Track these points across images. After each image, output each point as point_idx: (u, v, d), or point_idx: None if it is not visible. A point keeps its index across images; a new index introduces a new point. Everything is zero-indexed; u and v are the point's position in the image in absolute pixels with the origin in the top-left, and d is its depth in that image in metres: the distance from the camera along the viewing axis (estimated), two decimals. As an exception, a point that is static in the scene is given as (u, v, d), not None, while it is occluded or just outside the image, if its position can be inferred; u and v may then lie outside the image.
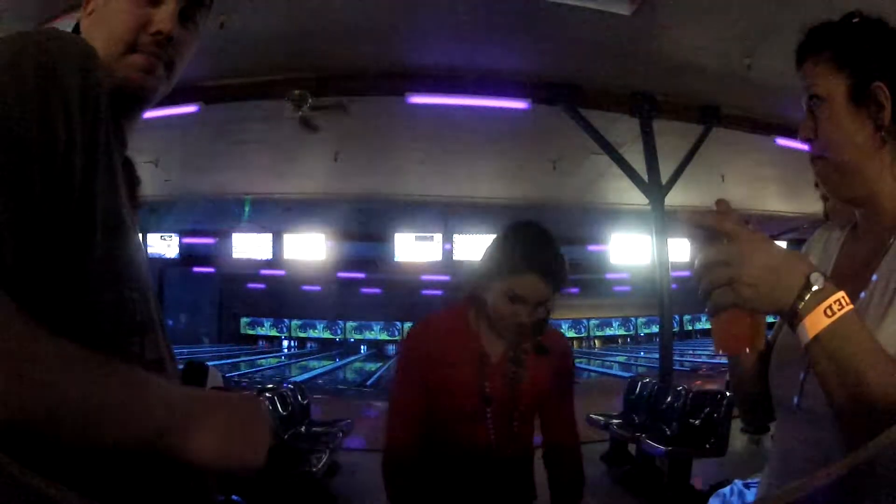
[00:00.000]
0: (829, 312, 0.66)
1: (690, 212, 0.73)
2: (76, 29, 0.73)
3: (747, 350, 0.84)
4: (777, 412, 0.90)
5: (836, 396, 0.67)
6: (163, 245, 10.46)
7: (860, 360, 0.65)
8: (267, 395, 4.79)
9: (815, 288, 0.67)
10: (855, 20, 0.83)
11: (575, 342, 25.65)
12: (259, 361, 17.80)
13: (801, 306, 0.67)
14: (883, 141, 0.80)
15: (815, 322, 0.66)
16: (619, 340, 25.62)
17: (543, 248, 1.40)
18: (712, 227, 0.72)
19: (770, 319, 0.92)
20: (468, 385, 1.45)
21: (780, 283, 0.68)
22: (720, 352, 0.86)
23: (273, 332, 22.96)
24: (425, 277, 15.86)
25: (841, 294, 0.67)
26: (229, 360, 15.59)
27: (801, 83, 0.86)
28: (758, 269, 0.68)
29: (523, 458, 1.54)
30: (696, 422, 4.64)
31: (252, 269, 13.62)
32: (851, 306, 0.67)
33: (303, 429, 5.06)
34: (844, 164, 0.82)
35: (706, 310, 0.73)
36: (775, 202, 9.11)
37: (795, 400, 0.82)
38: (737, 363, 0.93)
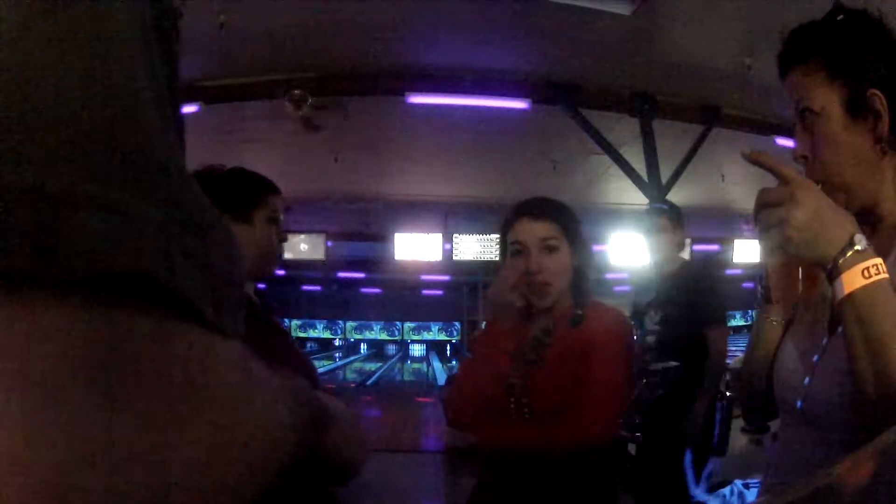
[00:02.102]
0: (866, 274, 0.68)
1: (752, 149, 0.77)
2: None
3: (799, 297, 0.86)
4: (780, 414, 0.90)
5: (858, 359, 0.68)
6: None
7: (888, 326, 0.66)
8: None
9: (857, 247, 0.69)
10: (839, 17, 0.80)
11: (575, 342, 25.50)
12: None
13: (841, 261, 0.69)
14: (883, 152, 0.78)
15: (852, 280, 0.68)
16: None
17: (529, 198, 1.42)
18: (769, 166, 0.74)
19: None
20: (498, 373, 1.32)
21: (826, 234, 0.70)
22: (774, 299, 0.88)
23: (273, 332, 22.93)
24: (425, 277, 15.87)
25: (879, 260, 0.69)
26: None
27: (788, 95, 0.84)
28: (807, 215, 0.69)
29: (562, 463, 1.24)
30: (696, 422, 4.63)
31: (252, 269, 13.58)
32: (887, 275, 0.69)
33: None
34: (846, 185, 0.80)
35: (760, 252, 0.77)
36: (775, 202, 9.09)
37: (799, 404, 0.82)
38: (750, 358, 0.93)
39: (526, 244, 1.34)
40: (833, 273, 0.69)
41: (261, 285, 1.52)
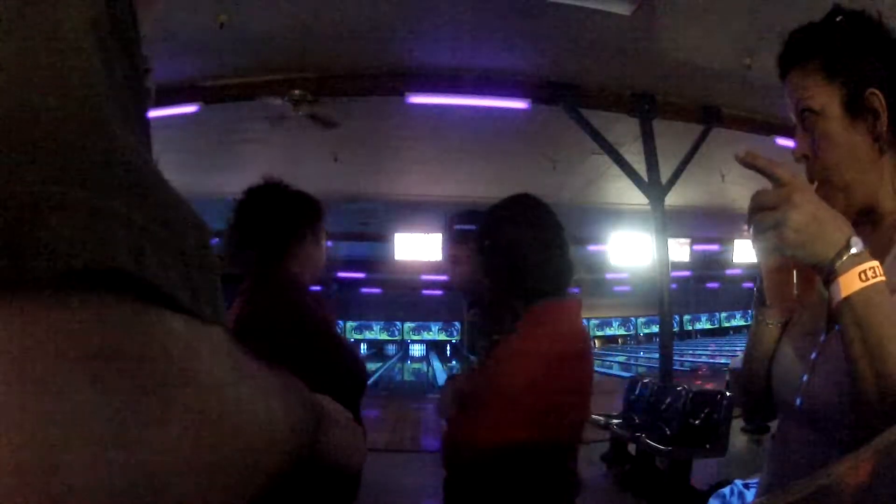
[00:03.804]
0: (863, 277, 0.68)
1: (747, 151, 0.75)
2: None
3: (795, 300, 0.86)
4: (779, 413, 0.89)
5: (857, 361, 0.68)
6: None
7: (886, 329, 0.66)
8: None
9: (853, 250, 0.69)
10: (838, 18, 0.81)
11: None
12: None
13: (838, 264, 0.69)
14: (881, 151, 0.79)
15: (849, 283, 0.68)
16: (619, 340, 25.62)
17: None
18: (764, 168, 0.73)
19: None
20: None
21: (823, 236, 0.69)
22: (769, 302, 0.88)
23: (273, 332, 22.90)
24: (425, 277, 15.88)
25: (876, 263, 0.69)
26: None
27: (789, 96, 0.84)
28: (804, 217, 0.69)
29: (484, 464, 1.26)
30: (696, 422, 4.64)
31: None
32: (884, 277, 0.69)
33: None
34: (846, 184, 0.81)
35: (755, 255, 0.76)
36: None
37: (798, 402, 0.82)
38: (750, 357, 0.92)
39: None
40: (830, 276, 0.69)
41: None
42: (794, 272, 0.83)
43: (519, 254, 1.35)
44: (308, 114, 5.53)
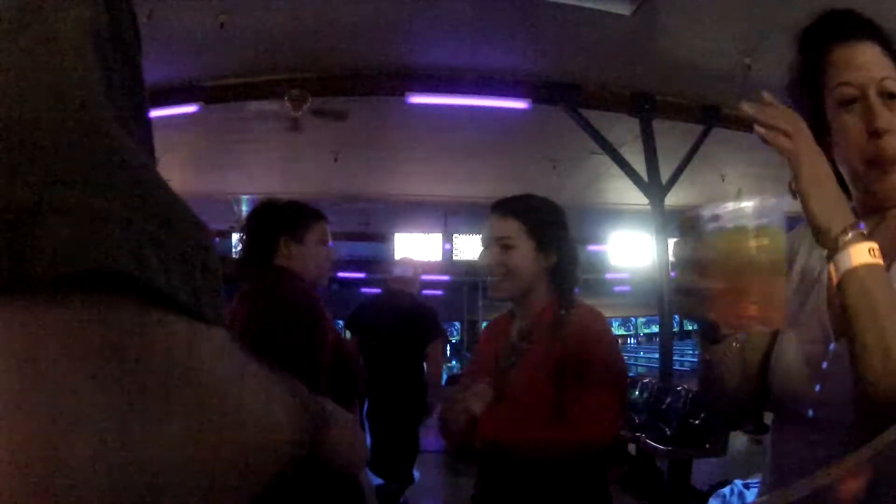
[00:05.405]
0: (872, 253, 0.70)
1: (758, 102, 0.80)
2: None
3: (758, 323, 0.79)
4: (779, 418, 0.88)
5: (864, 332, 0.68)
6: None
7: (892, 301, 0.68)
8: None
9: (861, 230, 0.71)
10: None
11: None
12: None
13: (851, 234, 0.70)
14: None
15: (860, 254, 0.69)
16: (619, 341, 25.54)
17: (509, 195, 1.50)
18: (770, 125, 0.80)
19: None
20: (488, 371, 1.41)
21: (831, 199, 0.72)
22: (722, 329, 0.81)
23: (273, 332, 22.88)
24: (425, 277, 15.84)
25: (876, 245, 0.71)
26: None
27: (856, 68, 0.83)
28: (816, 168, 0.73)
29: (521, 459, 1.28)
30: (696, 422, 4.63)
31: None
32: (882, 261, 0.71)
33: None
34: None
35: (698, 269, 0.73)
36: (775, 202, 9.09)
37: (810, 413, 0.81)
38: (733, 363, 0.91)
39: (485, 240, 1.43)
40: (839, 245, 0.70)
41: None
42: (746, 290, 0.78)
43: (572, 250, 1.43)
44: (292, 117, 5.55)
